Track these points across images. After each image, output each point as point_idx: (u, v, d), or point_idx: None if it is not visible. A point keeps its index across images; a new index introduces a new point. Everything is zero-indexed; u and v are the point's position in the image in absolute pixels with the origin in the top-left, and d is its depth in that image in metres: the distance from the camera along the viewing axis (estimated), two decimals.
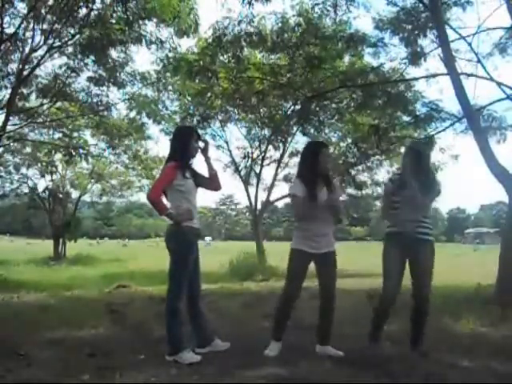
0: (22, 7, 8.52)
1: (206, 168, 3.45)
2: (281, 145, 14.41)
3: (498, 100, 6.95)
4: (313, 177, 3.24)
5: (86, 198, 23.90)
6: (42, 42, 8.71)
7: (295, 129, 11.98)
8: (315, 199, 3.18)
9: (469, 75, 6.99)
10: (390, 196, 3.34)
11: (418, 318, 3.26)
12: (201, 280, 3.45)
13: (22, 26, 8.44)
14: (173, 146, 3.35)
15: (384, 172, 15.49)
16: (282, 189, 18.80)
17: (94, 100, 10.39)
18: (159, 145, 27.60)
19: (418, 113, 8.47)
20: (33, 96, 10.56)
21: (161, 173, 3.31)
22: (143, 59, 30.46)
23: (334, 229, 3.36)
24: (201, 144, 3.42)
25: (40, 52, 8.89)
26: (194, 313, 3.35)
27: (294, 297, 3.29)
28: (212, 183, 3.47)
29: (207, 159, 3.44)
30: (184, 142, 3.31)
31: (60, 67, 9.78)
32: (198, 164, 3.46)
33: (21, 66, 8.83)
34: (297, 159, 11.09)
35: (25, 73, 8.92)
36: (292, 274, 3.28)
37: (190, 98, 11.36)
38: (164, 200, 3.25)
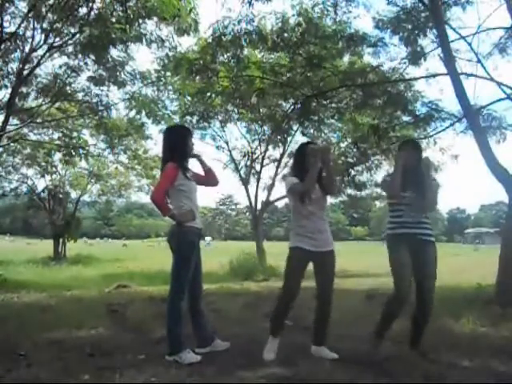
0: (22, 6, 8.54)
1: (199, 167, 3.49)
2: (280, 144, 14.41)
3: (498, 100, 6.94)
4: (303, 174, 3.26)
5: (86, 197, 23.89)
6: (42, 41, 8.71)
7: (295, 128, 11.98)
8: (309, 196, 3.21)
9: (469, 75, 6.98)
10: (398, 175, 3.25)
11: (420, 319, 3.24)
12: (202, 280, 3.46)
13: (23, 25, 8.44)
14: (171, 146, 3.33)
15: (383, 172, 15.47)
16: (282, 189, 18.73)
17: (94, 100, 10.38)
18: (159, 146, 27.53)
19: (417, 113, 8.45)
20: (32, 96, 10.55)
21: (162, 174, 3.28)
22: (143, 58, 30.55)
23: (329, 226, 3.35)
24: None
25: (40, 51, 8.89)
26: (195, 312, 3.35)
27: (293, 296, 3.26)
28: (209, 179, 3.50)
29: (198, 157, 3.48)
30: (183, 143, 3.32)
31: (60, 67, 9.78)
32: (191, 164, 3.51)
33: (21, 66, 8.82)
34: None
35: (25, 72, 8.91)
36: (291, 273, 3.27)
37: (189, 98, 11.36)
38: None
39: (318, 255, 3.22)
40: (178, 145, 3.31)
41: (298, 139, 14.74)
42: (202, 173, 3.49)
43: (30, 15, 8.32)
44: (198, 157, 3.47)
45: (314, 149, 3.31)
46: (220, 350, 3.34)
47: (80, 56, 8.92)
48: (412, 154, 3.32)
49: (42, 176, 20.61)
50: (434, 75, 7.91)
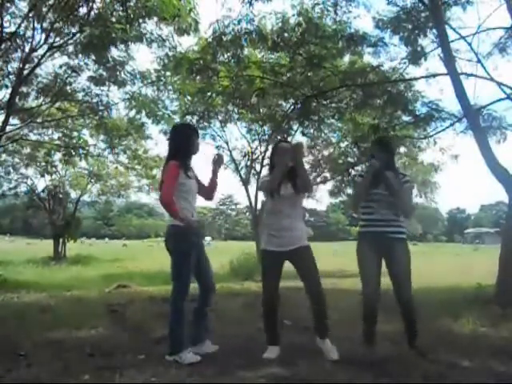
0: (22, 6, 8.54)
1: (208, 176, 3.47)
2: None
3: (498, 100, 6.94)
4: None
5: (86, 197, 23.89)
6: (42, 41, 8.71)
7: (295, 128, 11.98)
8: (278, 193, 3.23)
9: (469, 75, 6.99)
10: (363, 191, 3.29)
11: (404, 317, 3.26)
12: (214, 278, 3.45)
13: (23, 24, 8.44)
14: (176, 144, 3.33)
15: None
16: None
17: (94, 100, 10.37)
18: (159, 146, 27.56)
19: (417, 113, 8.45)
20: (32, 96, 10.54)
21: (166, 173, 3.24)
22: (143, 58, 30.55)
23: (302, 224, 3.32)
24: (215, 157, 3.45)
25: (40, 51, 8.88)
26: (202, 312, 3.33)
27: (271, 295, 3.26)
28: (208, 192, 3.48)
29: (215, 170, 3.45)
30: (188, 142, 3.31)
31: (60, 67, 9.77)
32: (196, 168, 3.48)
33: (21, 66, 8.82)
34: None
35: (25, 72, 8.91)
36: (264, 273, 3.30)
37: (189, 98, 11.35)
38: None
39: (288, 254, 3.21)
40: (182, 144, 3.30)
41: (297, 140, 14.76)
42: (206, 180, 3.46)
43: (30, 15, 8.31)
44: (216, 167, 3.44)
45: (282, 147, 3.34)
46: (208, 351, 3.27)
47: (80, 56, 8.90)
48: (382, 151, 3.32)
49: (42, 176, 20.61)
50: (434, 75, 7.92)
